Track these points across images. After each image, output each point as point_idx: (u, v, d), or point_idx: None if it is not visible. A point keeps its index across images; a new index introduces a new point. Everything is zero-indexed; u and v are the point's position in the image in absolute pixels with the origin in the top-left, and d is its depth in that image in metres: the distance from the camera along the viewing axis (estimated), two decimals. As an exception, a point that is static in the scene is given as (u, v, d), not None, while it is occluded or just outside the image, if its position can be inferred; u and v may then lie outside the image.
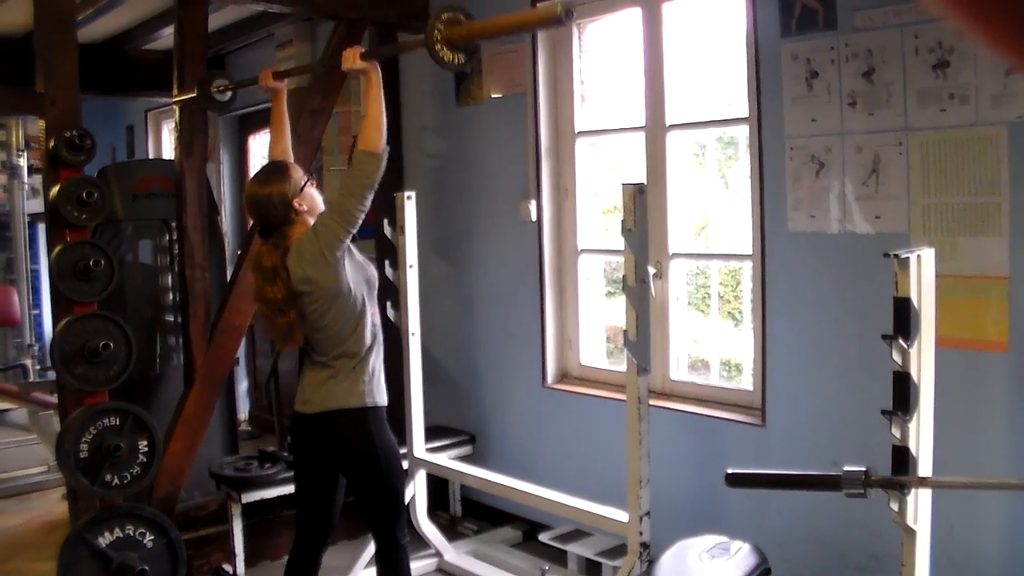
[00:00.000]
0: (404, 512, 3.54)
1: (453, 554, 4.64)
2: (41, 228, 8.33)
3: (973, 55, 3.14)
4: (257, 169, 3.63)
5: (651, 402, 3.53)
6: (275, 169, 3.40)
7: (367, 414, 3.30)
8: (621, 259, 3.56)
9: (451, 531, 4.98)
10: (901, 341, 2.27)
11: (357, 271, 3.30)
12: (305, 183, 3.34)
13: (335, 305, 3.24)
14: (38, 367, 8.24)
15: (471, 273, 5.25)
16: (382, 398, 3.37)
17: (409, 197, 4.46)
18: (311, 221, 3.33)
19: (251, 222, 4.71)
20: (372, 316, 3.35)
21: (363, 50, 3.30)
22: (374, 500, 3.39)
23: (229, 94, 4.12)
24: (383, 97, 3.25)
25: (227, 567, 4.53)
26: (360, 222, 3.23)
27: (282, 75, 3.80)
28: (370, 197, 3.22)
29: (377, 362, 3.38)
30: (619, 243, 3.53)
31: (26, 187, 8.49)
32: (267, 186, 3.29)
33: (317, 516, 3.47)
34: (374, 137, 3.20)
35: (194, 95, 4.16)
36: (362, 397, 3.30)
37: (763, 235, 3.84)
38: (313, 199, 3.36)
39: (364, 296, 3.31)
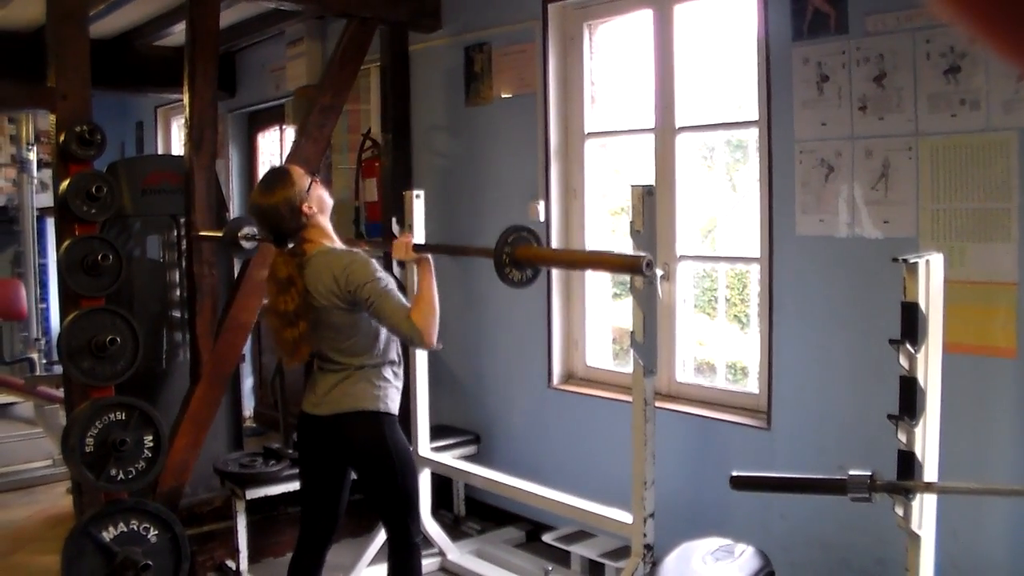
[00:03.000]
0: (417, 510, 3.55)
1: (456, 553, 4.63)
2: (50, 222, 8.34)
3: (984, 61, 3.13)
4: (267, 165, 3.63)
5: (657, 404, 3.53)
6: (277, 176, 3.35)
7: (379, 416, 3.30)
8: (629, 260, 3.55)
9: (455, 530, 4.98)
10: (908, 346, 2.27)
11: None
12: (311, 184, 3.30)
13: (349, 323, 3.25)
14: (45, 361, 8.25)
15: (478, 273, 5.24)
16: (394, 407, 3.37)
17: (418, 196, 4.45)
18: (323, 222, 3.32)
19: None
20: (388, 332, 3.35)
21: (414, 243, 3.36)
22: (388, 499, 3.39)
23: (255, 244, 4.08)
24: (435, 287, 3.29)
25: (230, 563, 4.54)
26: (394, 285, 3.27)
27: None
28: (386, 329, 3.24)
29: (394, 375, 3.38)
30: (627, 244, 3.52)
31: (35, 181, 8.51)
32: (272, 195, 3.25)
33: (322, 514, 3.47)
34: (432, 327, 3.19)
35: (221, 234, 4.17)
36: (376, 401, 3.30)
37: (771, 238, 3.83)
38: (321, 199, 3.34)
39: None
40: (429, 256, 3.35)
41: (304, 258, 3.24)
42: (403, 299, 3.23)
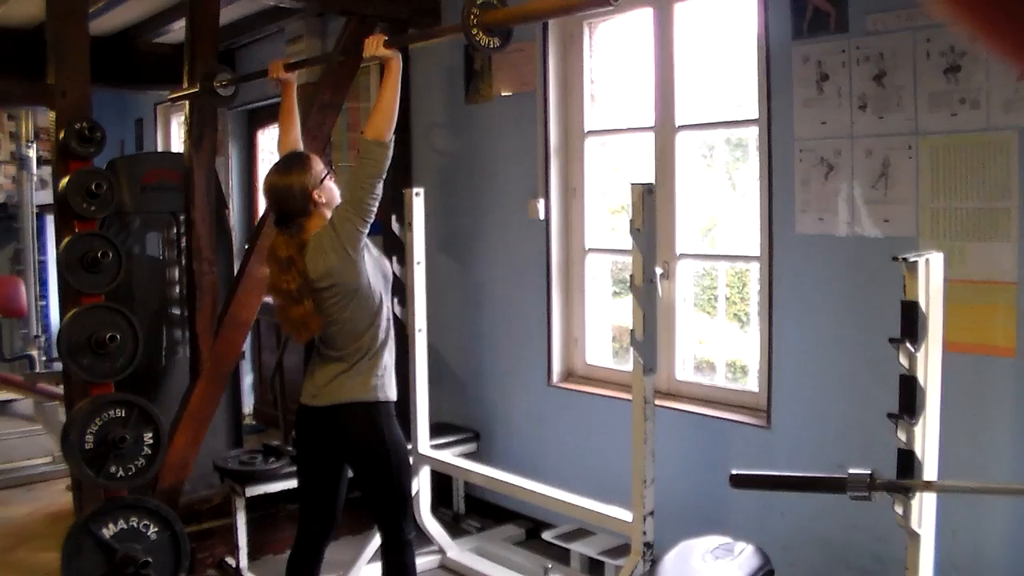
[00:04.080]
0: (411, 507, 3.55)
1: (456, 551, 4.64)
2: (49, 219, 8.35)
3: (985, 60, 3.13)
4: (266, 162, 3.63)
5: (656, 402, 3.53)
6: (297, 159, 3.39)
7: (377, 408, 3.31)
8: (628, 259, 3.56)
9: (454, 528, 4.98)
10: (908, 345, 2.27)
11: (375, 266, 3.32)
12: (325, 175, 3.34)
13: (354, 300, 3.25)
14: (44, 358, 8.26)
15: (478, 270, 5.25)
16: (392, 393, 3.38)
17: (417, 194, 4.46)
18: (328, 214, 3.34)
19: (264, 212, 4.72)
20: (387, 311, 3.37)
21: (386, 38, 3.29)
22: (381, 495, 3.39)
23: (232, 88, 4.11)
24: (399, 88, 3.25)
25: (230, 560, 4.54)
26: (374, 211, 3.25)
27: (293, 67, 3.78)
28: (380, 186, 3.24)
29: (390, 358, 3.39)
30: (626, 243, 3.53)
31: (35, 178, 8.52)
32: (288, 176, 3.29)
33: (320, 510, 3.47)
34: (382, 126, 3.21)
35: (196, 89, 4.16)
36: (374, 391, 3.30)
37: (771, 237, 3.83)
38: (332, 192, 3.37)
39: (381, 291, 3.32)
40: (399, 55, 3.30)
41: (303, 240, 3.26)
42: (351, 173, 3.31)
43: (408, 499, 3.50)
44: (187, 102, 4.60)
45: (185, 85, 4.52)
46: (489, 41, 2.93)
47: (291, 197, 3.26)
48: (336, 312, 3.26)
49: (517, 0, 3.01)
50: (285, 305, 3.26)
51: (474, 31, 2.88)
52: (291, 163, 3.37)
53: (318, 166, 3.35)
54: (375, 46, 3.28)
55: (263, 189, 3.48)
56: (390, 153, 3.26)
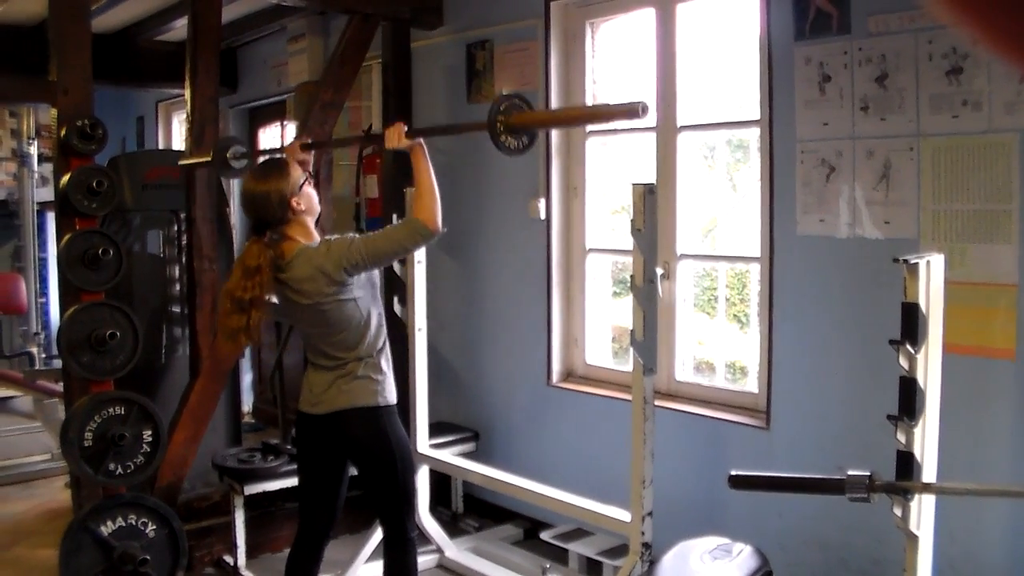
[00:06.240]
0: (414, 505, 3.55)
1: (454, 550, 4.64)
2: (50, 217, 8.35)
3: (987, 62, 3.13)
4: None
5: (656, 403, 3.53)
6: (274, 166, 3.35)
7: (378, 411, 3.30)
8: (629, 259, 3.56)
9: (452, 527, 4.98)
10: (908, 346, 2.27)
11: (363, 279, 3.29)
12: (304, 182, 3.29)
13: (339, 317, 3.24)
14: (44, 355, 8.27)
15: (479, 270, 5.25)
16: (392, 397, 3.37)
17: (418, 193, 4.45)
18: (308, 221, 3.31)
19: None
20: (378, 318, 3.34)
21: (406, 128, 3.28)
22: (386, 493, 3.39)
23: (244, 161, 4.01)
24: (431, 171, 3.25)
25: (228, 559, 4.54)
26: (382, 267, 3.25)
27: (310, 147, 3.68)
28: (400, 257, 3.21)
29: (387, 364, 3.37)
30: (627, 243, 3.52)
31: (36, 175, 8.52)
32: (265, 183, 3.24)
33: (321, 510, 3.47)
34: (432, 209, 3.18)
35: (208, 159, 4.13)
36: (373, 396, 3.29)
37: (772, 238, 3.83)
38: (311, 198, 3.33)
39: (369, 305, 3.30)
40: (422, 140, 3.29)
41: (284, 260, 3.23)
42: (387, 227, 3.26)
43: (412, 498, 3.50)
44: (188, 100, 4.59)
45: (193, 157, 4.46)
46: (516, 143, 2.96)
47: (269, 205, 3.22)
48: (321, 326, 3.26)
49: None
50: (229, 311, 3.20)
51: (501, 136, 2.91)
52: (268, 170, 3.32)
53: (296, 172, 3.30)
54: (396, 139, 3.28)
55: (240, 197, 3.44)
56: (430, 241, 3.27)
